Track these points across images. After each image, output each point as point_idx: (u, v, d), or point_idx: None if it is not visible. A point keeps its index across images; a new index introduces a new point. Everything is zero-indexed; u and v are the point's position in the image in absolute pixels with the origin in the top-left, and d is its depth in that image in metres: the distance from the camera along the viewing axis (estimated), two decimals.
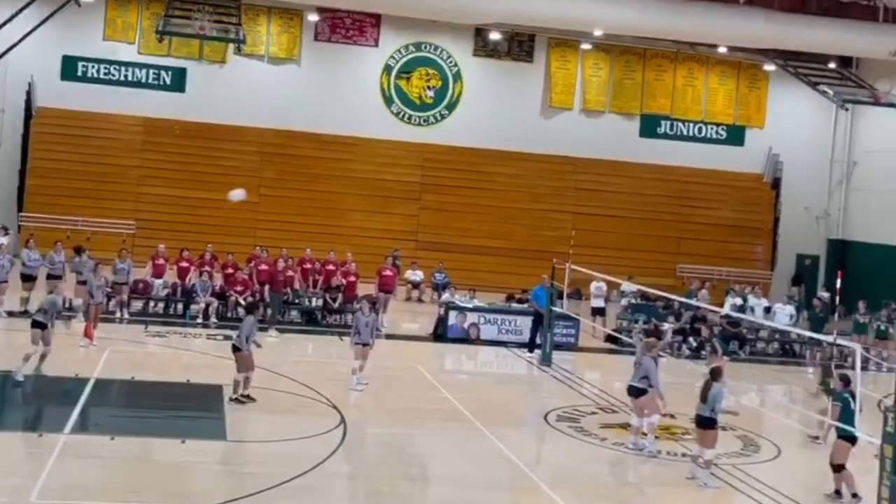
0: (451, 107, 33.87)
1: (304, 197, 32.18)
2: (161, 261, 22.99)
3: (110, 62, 31.77)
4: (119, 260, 21.79)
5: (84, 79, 31.51)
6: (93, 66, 31.66)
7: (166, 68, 32.08)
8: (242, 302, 21.95)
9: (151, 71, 32.03)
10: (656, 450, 14.14)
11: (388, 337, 22.44)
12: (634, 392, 14.48)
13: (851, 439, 12.40)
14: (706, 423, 12.84)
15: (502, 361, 21.00)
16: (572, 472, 13.43)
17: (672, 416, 16.30)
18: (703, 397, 12.84)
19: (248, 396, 14.96)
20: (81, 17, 30.57)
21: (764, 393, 19.59)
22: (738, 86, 35.15)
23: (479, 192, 33.12)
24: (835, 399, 13.13)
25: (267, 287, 22.19)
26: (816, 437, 15.50)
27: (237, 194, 20.72)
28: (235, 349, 15.22)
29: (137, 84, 31.91)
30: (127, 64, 31.89)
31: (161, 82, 32.10)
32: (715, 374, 13.00)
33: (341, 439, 13.58)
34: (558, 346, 21.09)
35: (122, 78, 31.86)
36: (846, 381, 12.87)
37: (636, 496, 12.57)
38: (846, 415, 12.52)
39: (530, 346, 21.43)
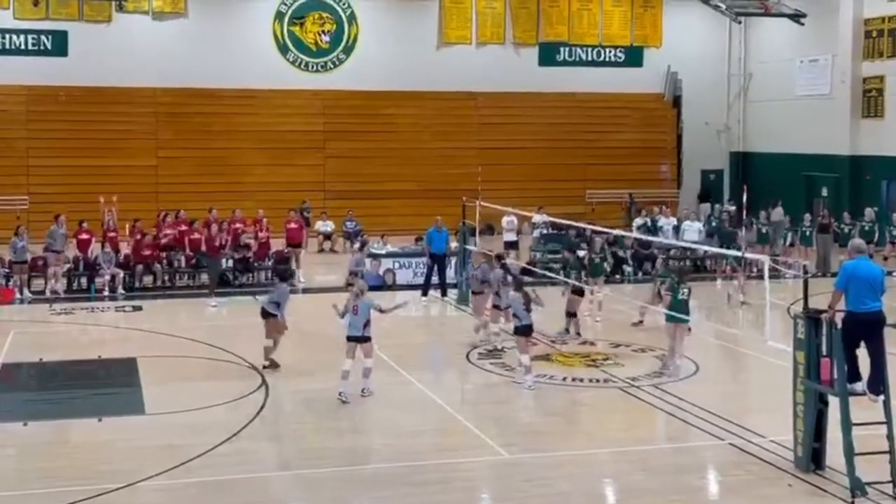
0: (348, 50, 33.22)
1: (204, 156, 31.36)
2: None
3: None
4: (17, 238, 20.96)
5: None
6: None
7: (46, 32, 30.72)
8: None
9: (30, 36, 30.65)
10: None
11: (305, 291, 22.16)
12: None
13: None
14: (525, 331, 14.03)
15: (420, 305, 20.90)
16: (498, 409, 13.45)
17: (592, 343, 16.50)
18: (527, 308, 14.06)
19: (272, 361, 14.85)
20: None
21: None
22: (632, 6, 35.18)
23: (384, 136, 32.71)
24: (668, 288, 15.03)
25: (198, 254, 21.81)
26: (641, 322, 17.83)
27: None
28: (267, 314, 14.88)
29: (17, 51, 30.56)
30: (3, 31, 30.44)
31: (41, 47, 30.76)
32: (519, 285, 14.61)
33: (264, 400, 13.37)
34: None
35: (0, 46, 30.42)
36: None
37: (565, 426, 12.64)
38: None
39: (424, 289, 21.21)
